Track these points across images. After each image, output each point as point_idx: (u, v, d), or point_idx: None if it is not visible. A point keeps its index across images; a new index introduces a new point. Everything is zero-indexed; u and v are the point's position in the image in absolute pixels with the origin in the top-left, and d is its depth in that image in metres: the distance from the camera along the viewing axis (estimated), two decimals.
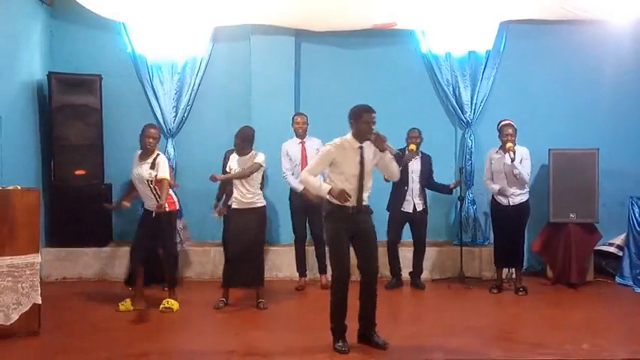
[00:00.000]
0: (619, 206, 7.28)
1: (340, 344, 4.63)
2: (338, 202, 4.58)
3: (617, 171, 7.27)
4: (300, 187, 6.62)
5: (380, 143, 4.58)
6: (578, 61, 7.55)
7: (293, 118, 6.93)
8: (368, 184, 4.74)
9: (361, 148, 4.67)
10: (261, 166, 5.85)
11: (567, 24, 7.42)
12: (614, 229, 7.26)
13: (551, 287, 6.89)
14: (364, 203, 4.73)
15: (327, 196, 4.65)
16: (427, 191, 6.94)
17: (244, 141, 5.89)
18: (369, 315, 4.77)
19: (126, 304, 5.83)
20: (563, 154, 7.00)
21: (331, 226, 4.72)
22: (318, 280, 6.90)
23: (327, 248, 5.55)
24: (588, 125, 7.45)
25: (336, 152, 4.65)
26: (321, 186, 4.66)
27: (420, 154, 6.82)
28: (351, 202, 4.63)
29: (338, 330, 4.68)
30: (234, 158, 6.00)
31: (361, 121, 4.62)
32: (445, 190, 6.93)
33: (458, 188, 7.19)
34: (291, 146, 6.84)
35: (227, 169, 6.03)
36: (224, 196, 6.27)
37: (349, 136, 4.71)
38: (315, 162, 4.79)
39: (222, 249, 6.78)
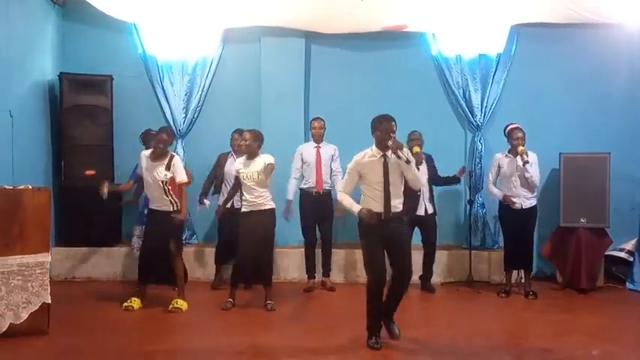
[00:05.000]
0: (630, 211, 7.23)
1: (373, 341, 4.76)
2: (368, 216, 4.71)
3: (629, 176, 7.20)
4: (290, 197, 6.69)
5: (394, 149, 4.63)
6: (589, 65, 7.49)
7: (310, 122, 6.96)
8: (396, 192, 4.79)
9: (384, 156, 4.74)
10: (274, 165, 5.83)
11: (578, 27, 7.38)
12: (625, 234, 7.19)
13: (561, 292, 6.84)
14: (395, 210, 4.78)
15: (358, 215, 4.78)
16: (434, 194, 6.91)
17: (258, 144, 5.91)
18: (391, 307, 4.96)
19: (137, 302, 5.84)
20: (574, 158, 6.95)
21: (364, 233, 4.82)
22: (325, 282, 6.89)
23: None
24: (599, 129, 7.39)
25: (358, 166, 4.80)
26: (352, 206, 4.82)
27: (424, 157, 6.79)
28: (379, 210, 4.72)
29: (373, 329, 4.81)
30: (240, 161, 5.98)
31: (379, 129, 4.74)
32: (453, 180, 6.86)
33: (467, 191, 7.17)
34: (307, 149, 6.85)
35: (235, 173, 6.02)
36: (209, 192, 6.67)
37: (373, 146, 4.83)
38: (345, 181, 4.96)
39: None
